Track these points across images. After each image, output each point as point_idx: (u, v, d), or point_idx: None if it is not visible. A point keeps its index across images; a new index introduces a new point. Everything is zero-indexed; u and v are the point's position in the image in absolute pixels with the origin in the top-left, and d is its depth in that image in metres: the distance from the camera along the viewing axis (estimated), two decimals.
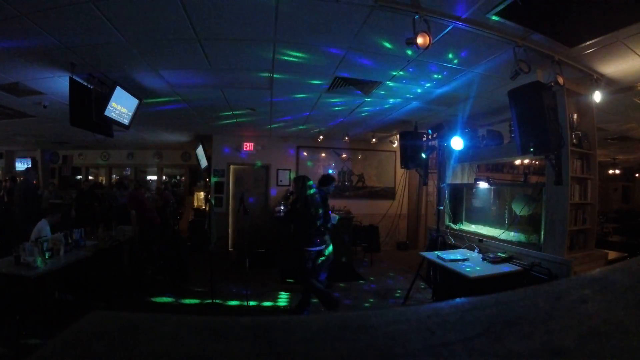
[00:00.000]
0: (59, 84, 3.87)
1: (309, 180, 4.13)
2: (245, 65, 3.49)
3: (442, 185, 5.40)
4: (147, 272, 5.27)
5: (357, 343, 0.39)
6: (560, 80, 3.03)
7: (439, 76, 3.71)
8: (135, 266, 5.01)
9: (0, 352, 2.94)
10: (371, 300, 4.74)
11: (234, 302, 4.50)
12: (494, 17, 2.45)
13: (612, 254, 3.90)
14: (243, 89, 4.34)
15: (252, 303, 4.40)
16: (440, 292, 4.37)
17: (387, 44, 2.95)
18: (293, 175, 8.10)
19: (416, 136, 5.58)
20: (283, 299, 4.73)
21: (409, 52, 2.99)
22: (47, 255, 3.57)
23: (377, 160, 8.58)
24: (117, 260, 4.75)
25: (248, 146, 7.87)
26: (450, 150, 5.19)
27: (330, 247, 4.20)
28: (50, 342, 0.39)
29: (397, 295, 4.93)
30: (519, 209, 4.23)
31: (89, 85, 3.59)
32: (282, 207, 7.11)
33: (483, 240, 4.42)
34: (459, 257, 3.92)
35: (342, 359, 0.37)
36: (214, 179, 7.79)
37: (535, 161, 5.89)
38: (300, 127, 6.74)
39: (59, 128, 6.87)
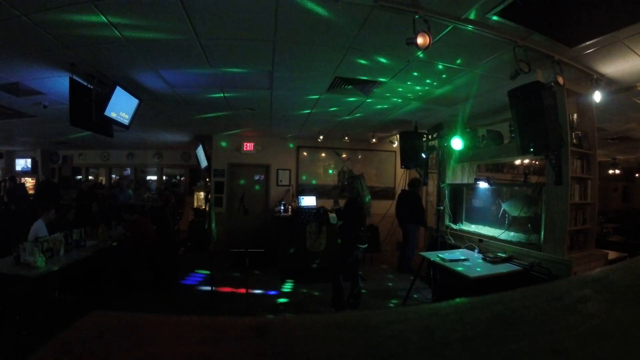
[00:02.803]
0: (59, 84, 3.86)
1: (363, 179, 4.40)
2: (245, 65, 3.49)
3: (442, 185, 5.40)
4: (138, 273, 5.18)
5: (357, 343, 0.39)
6: (560, 80, 3.03)
7: (439, 76, 3.70)
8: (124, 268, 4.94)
9: (0, 352, 2.94)
10: (371, 300, 4.74)
11: (234, 302, 4.50)
12: (494, 17, 2.44)
13: (612, 254, 3.90)
14: (243, 89, 4.34)
15: (252, 303, 4.40)
16: (440, 292, 4.37)
17: (386, 44, 2.95)
18: (293, 175, 8.11)
19: (416, 136, 5.59)
20: (283, 299, 4.73)
21: (409, 52, 2.99)
22: (42, 258, 3.46)
23: (377, 160, 8.58)
24: (116, 260, 4.75)
25: (248, 146, 7.87)
26: (450, 150, 5.19)
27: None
28: (50, 342, 0.39)
29: (397, 295, 4.93)
30: (513, 210, 4.24)
31: (89, 85, 3.59)
32: (282, 206, 7.08)
33: (483, 240, 4.42)
34: (459, 257, 3.92)
35: (342, 359, 0.36)
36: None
37: (535, 161, 5.89)
38: (300, 127, 6.74)
39: (58, 128, 6.87)
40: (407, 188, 6.51)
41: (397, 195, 6.74)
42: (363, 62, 3.35)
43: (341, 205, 4.45)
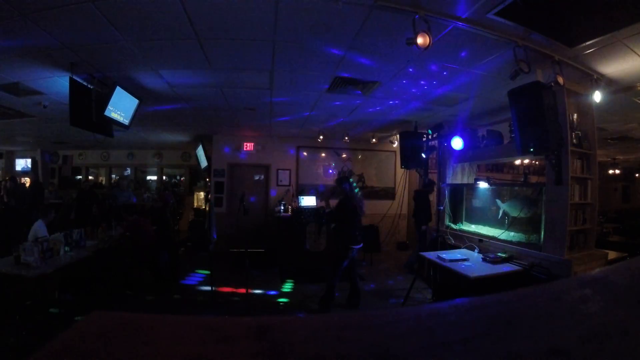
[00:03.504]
0: (59, 84, 3.86)
1: (352, 180, 4.42)
2: (245, 65, 3.49)
3: (442, 185, 5.40)
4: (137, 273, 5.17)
5: (357, 343, 0.39)
6: (560, 80, 3.03)
7: (439, 76, 3.70)
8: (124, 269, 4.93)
9: (1, 352, 2.94)
10: (371, 300, 4.74)
11: (234, 302, 4.50)
12: (494, 17, 2.45)
13: (612, 254, 3.90)
14: (243, 89, 4.34)
15: (252, 303, 4.40)
16: (440, 292, 4.36)
17: (386, 44, 2.95)
18: (293, 175, 8.11)
19: (416, 136, 5.59)
20: (283, 299, 4.73)
21: (409, 52, 2.99)
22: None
23: (377, 160, 8.58)
24: (116, 260, 4.75)
25: (248, 146, 7.87)
26: (450, 150, 5.19)
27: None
28: (50, 342, 0.39)
29: (397, 295, 4.93)
30: (513, 211, 4.24)
31: (89, 85, 3.59)
32: (282, 206, 7.09)
33: (483, 240, 4.41)
34: (459, 257, 3.92)
35: (342, 359, 0.36)
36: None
37: (535, 161, 5.89)
38: (300, 127, 6.74)
39: (59, 128, 6.87)
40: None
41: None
42: (363, 62, 3.35)
43: (332, 208, 4.43)
